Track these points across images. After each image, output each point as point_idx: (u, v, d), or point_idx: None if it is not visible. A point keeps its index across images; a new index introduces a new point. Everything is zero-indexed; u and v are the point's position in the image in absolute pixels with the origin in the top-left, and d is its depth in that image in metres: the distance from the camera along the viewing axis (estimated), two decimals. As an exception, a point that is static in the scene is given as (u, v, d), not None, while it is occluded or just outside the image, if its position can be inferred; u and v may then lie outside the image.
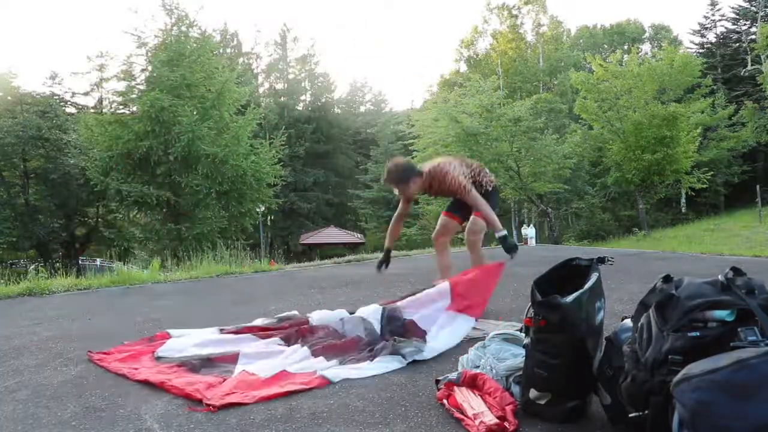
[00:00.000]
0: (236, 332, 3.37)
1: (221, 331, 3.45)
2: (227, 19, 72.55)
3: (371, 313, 3.29)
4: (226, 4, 65.91)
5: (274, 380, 2.52)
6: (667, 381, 1.53)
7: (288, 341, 3.10)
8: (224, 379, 2.55)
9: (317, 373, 2.58)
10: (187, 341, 3.25)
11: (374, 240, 35.16)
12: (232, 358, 2.87)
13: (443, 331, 3.07)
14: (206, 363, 2.82)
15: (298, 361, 2.76)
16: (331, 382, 2.50)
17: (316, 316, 3.58)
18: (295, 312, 3.90)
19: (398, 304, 3.31)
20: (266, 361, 2.79)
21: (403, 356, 2.73)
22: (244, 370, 2.61)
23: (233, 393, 2.38)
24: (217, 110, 17.38)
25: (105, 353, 3.12)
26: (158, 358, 2.98)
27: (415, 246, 23.40)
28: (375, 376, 2.60)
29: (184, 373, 2.68)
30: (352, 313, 3.54)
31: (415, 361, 2.75)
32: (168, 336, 3.39)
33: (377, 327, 3.11)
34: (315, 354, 2.85)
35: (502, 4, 39.13)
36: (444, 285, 3.40)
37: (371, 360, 2.74)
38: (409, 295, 3.49)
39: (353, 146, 43.76)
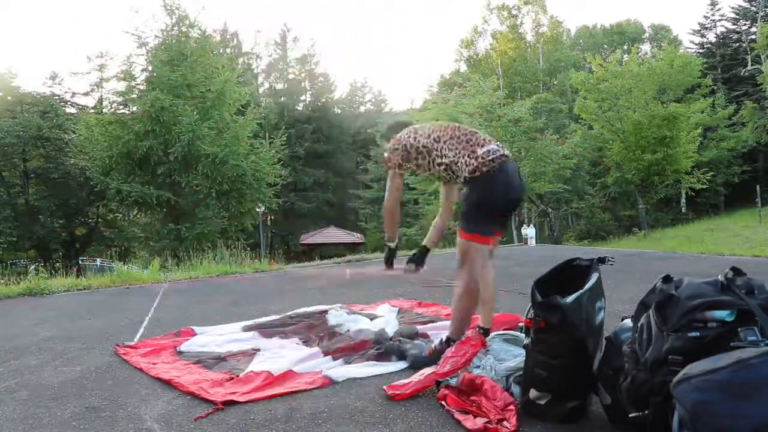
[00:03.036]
0: (258, 329, 3.48)
1: (244, 328, 3.53)
2: (227, 19, 72.50)
3: (388, 324, 3.33)
4: (226, 4, 65.91)
5: (278, 380, 2.54)
6: (667, 381, 1.53)
7: (307, 343, 3.14)
8: (231, 377, 2.59)
9: (322, 373, 2.60)
10: (209, 338, 3.34)
11: (374, 240, 35.12)
12: (248, 356, 2.93)
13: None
14: (220, 361, 2.89)
15: (306, 360, 2.79)
16: (334, 382, 2.51)
17: (333, 317, 3.66)
18: (316, 307, 3.98)
19: (417, 326, 3.30)
20: (277, 360, 2.82)
21: (407, 357, 2.74)
22: (251, 371, 2.63)
23: (236, 392, 2.39)
24: (217, 110, 17.38)
25: (131, 347, 3.24)
26: (179, 353, 3.08)
27: (415, 246, 23.40)
28: (376, 375, 2.60)
29: (196, 370, 2.73)
30: (372, 318, 3.59)
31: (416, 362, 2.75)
32: (192, 332, 3.49)
33: (390, 332, 3.14)
34: (325, 354, 2.89)
35: (502, 4, 39.15)
36: None
37: (377, 360, 2.75)
38: (429, 322, 3.52)
39: (353, 146, 43.75)
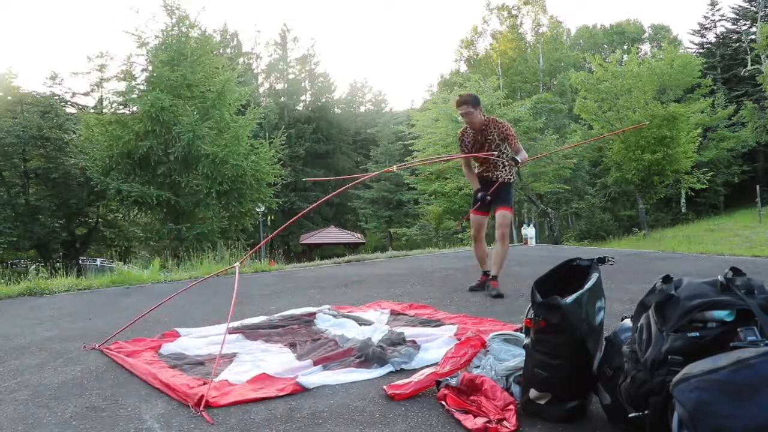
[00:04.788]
0: (243, 332, 3.43)
1: (229, 330, 3.41)
2: (227, 19, 72.60)
3: (375, 332, 3.23)
4: (226, 4, 65.96)
5: (250, 383, 2.48)
6: (666, 381, 1.53)
7: (293, 348, 3.07)
8: (205, 382, 2.49)
9: (296, 379, 2.52)
10: (192, 341, 3.29)
11: (374, 240, 35.16)
12: (227, 360, 2.86)
13: (440, 348, 2.88)
14: (197, 365, 2.81)
15: (284, 366, 2.71)
16: (306, 389, 2.43)
17: (321, 321, 3.60)
18: (304, 309, 3.93)
19: (405, 332, 3.17)
20: (258, 363, 2.77)
21: (391, 364, 2.66)
22: (225, 379, 2.54)
23: (206, 395, 2.33)
24: (217, 110, 17.40)
25: (111, 348, 3.20)
26: (160, 356, 3.03)
27: (415, 246, 23.44)
28: (354, 382, 2.53)
29: (171, 374, 2.65)
30: (362, 323, 3.51)
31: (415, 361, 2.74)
32: (177, 334, 3.44)
33: (377, 339, 3.04)
34: (301, 358, 2.81)
35: (502, 5, 39.19)
36: (451, 327, 3.33)
37: (356, 367, 2.67)
38: (420, 326, 3.44)
39: (353, 146, 43.80)
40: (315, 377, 2.55)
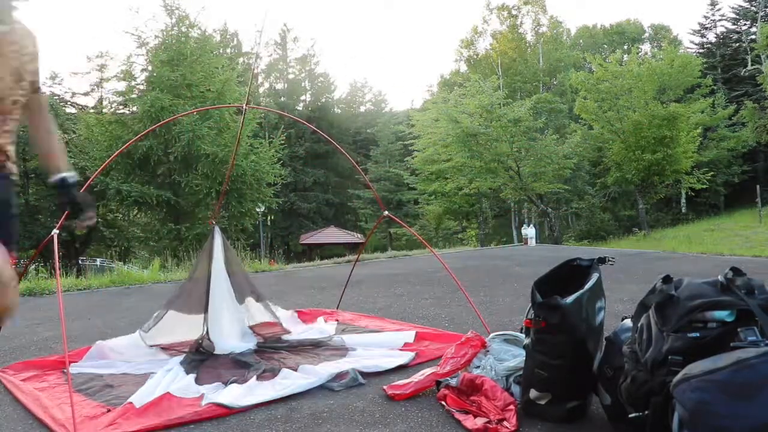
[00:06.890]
0: (167, 349, 3.15)
1: (151, 346, 3.18)
2: (227, 19, 72.59)
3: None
4: (226, 4, 65.96)
5: (152, 406, 2.24)
6: (667, 381, 1.53)
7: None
8: (108, 409, 2.27)
9: (206, 399, 2.30)
10: (112, 356, 3.02)
11: (374, 240, 35.17)
12: (141, 380, 2.61)
13: (382, 358, 2.76)
14: (106, 387, 2.57)
15: (179, 380, 2.51)
16: (231, 409, 2.21)
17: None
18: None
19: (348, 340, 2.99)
20: (165, 380, 2.57)
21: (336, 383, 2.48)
22: (129, 402, 2.28)
23: (109, 425, 2.11)
24: (217, 110, 17.39)
25: (8, 371, 2.84)
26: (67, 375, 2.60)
27: (416, 246, 23.47)
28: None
29: (74, 401, 2.25)
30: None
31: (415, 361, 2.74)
32: (99, 348, 3.14)
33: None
34: (198, 378, 2.58)
35: (502, 5, 39.17)
36: (409, 333, 3.15)
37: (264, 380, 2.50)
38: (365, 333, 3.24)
39: (353, 146, 43.77)
40: (231, 395, 2.34)
